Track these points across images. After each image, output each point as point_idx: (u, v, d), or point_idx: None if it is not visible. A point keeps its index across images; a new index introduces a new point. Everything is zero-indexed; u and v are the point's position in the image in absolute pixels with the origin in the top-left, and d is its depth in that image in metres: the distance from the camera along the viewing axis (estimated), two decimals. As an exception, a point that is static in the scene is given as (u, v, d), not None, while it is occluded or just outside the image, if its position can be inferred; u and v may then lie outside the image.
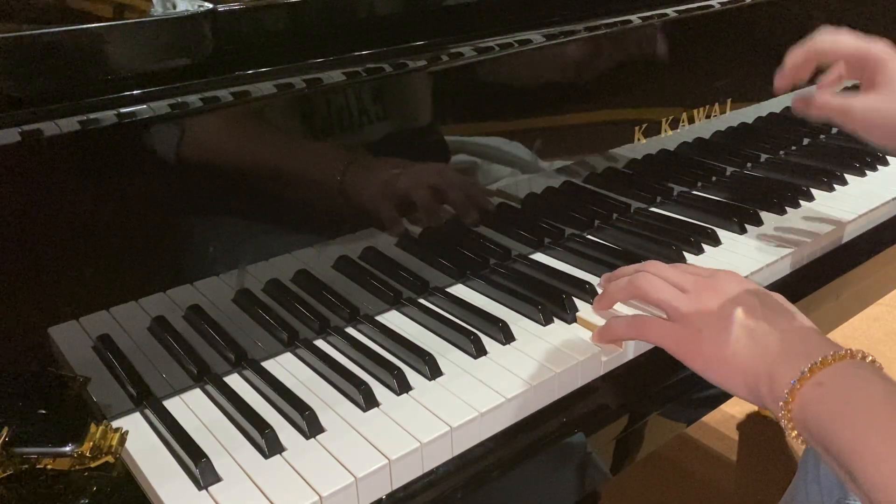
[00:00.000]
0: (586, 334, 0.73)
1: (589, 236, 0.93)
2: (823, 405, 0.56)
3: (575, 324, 0.76)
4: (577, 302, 0.78)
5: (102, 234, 0.61)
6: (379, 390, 0.66)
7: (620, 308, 0.76)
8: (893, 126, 0.77)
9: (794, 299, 0.85)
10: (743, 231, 0.94)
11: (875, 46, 0.80)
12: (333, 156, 0.72)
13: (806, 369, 0.58)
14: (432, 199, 0.80)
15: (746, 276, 0.83)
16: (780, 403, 0.58)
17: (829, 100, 0.80)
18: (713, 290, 0.68)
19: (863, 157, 1.12)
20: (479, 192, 0.84)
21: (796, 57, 0.82)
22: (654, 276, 0.71)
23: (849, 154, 1.14)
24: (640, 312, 0.74)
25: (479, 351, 0.71)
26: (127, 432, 0.59)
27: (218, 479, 0.57)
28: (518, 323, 0.75)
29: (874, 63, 0.79)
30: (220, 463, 0.58)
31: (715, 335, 0.64)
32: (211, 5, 0.62)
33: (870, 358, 0.59)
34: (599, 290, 0.79)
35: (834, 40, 0.82)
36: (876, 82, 0.79)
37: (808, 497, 0.83)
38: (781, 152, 1.17)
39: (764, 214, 0.97)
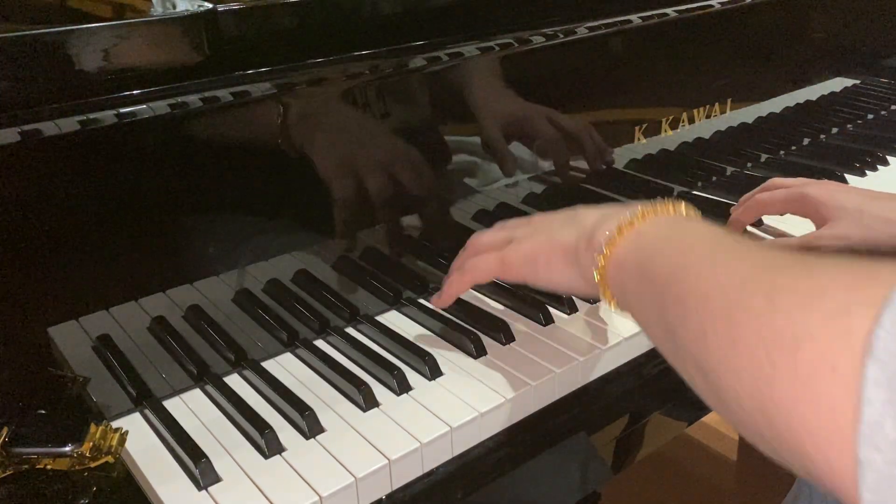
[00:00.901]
0: (587, 334, 0.73)
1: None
2: (642, 250, 0.54)
3: (575, 324, 0.75)
4: (578, 302, 0.78)
5: (102, 234, 0.61)
6: (379, 390, 0.66)
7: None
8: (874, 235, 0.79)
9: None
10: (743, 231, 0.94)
11: (808, 188, 0.84)
12: (333, 156, 0.72)
13: (625, 221, 0.56)
14: (431, 199, 0.80)
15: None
16: (595, 255, 0.57)
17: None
18: (539, 215, 0.69)
19: (863, 157, 1.12)
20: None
21: (738, 213, 0.90)
22: (480, 233, 0.71)
23: (849, 154, 1.14)
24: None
25: (480, 351, 0.71)
26: (127, 432, 0.59)
27: (218, 479, 0.57)
28: (518, 323, 0.75)
29: (814, 203, 0.82)
30: (220, 463, 0.58)
31: (539, 237, 0.65)
32: (211, 5, 0.62)
33: (687, 210, 0.58)
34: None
35: (770, 195, 0.87)
36: (826, 216, 0.82)
37: (811, 495, 0.84)
38: (781, 152, 1.17)
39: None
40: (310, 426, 0.61)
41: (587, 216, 0.62)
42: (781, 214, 0.89)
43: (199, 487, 0.57)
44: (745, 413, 0.41)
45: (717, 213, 0.96)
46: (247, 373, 0.70)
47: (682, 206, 0.57)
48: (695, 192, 1.05)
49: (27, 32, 0.55)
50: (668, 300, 0.49)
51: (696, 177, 1.06)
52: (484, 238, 0.70)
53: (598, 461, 0.73)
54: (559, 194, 0.91)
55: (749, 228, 0.93)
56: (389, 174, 0.76)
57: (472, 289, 0.82)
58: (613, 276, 0.56)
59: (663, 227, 0.55)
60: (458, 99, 0.79)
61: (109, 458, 0.56)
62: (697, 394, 0.48)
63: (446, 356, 0.71)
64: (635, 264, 0.54)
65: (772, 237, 0.93)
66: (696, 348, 0.45)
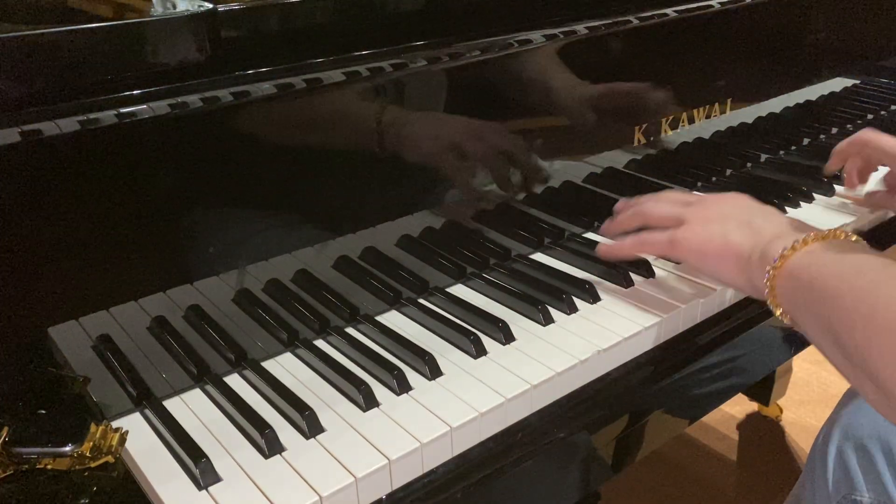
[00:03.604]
0: (587, 334, 0.73)
1: (589, 236, 0.93)
2: (814, 266, 0.61)
3: (575, 324, 0.75)
4: (577, 302, 0.78)
5: (102, 234, 0.61)
6: (379, 390, 0.66)
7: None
8: None
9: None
10: (743, 231, 0.94)
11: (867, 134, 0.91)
12: (333, 156, 0.72)
13: (799, 240, 0.63)
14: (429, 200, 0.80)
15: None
16: (768, 269, 0.63)
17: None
18: (712, 198, 0.76)
19: (863, 157, 1.12)
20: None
21: (842, 146, 0.97)
22: (657, 200, 0.78)
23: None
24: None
25: (479, 351, 0.71)
26: (127, 432, 0.59)
27: (218, 479, 0.57)
28: (518, 323, 0.75)
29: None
30: (220, 463, 0.58)
31: (713, 229, 0.70)
32: (211, 5, 0.62)
33: (855, 237, 0.64)
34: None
35: (878, 137, 0.93)
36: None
37: (815, 492, 0.84)
38: (781, 152, 1.17)
39: (764, 214, 0.97)
40: (310, 426, 0.61)
41: (763, 227, 0.69)
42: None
43: (200, 487, 0.57)
44: None
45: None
46: (247, 373, 0.70)
47: (850, 232, 0.65)
48: (695, 192, 1.05)
49: (27, 32, 0.55)
50: (836, 313, 0.56)
51: (696, 177, 1.06)
52: (657, 209, 0.77)
53: (598, 461, 0.73)
54: (560, 194, 0.91)
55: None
56: (390, 174, 0.76)
57: (472, 289, 0.83)
58: (783, 288, 0.63)
59: (833, 248, 0.62)
60: (458, 99, 0.79)
61: (109, 458, 0.56)
62: (869, 401, 0.56)
63: (446, 356, 0.71)
64: (807, 279, 0.61)
65: None
66: (864, 357, 0.53)
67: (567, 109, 0.88)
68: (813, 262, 0.62)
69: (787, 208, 0.99)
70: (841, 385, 1.82)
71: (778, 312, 0.64)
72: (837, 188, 1.06)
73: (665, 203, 0.77)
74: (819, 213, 0.99)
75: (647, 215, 0.78)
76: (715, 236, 0.70)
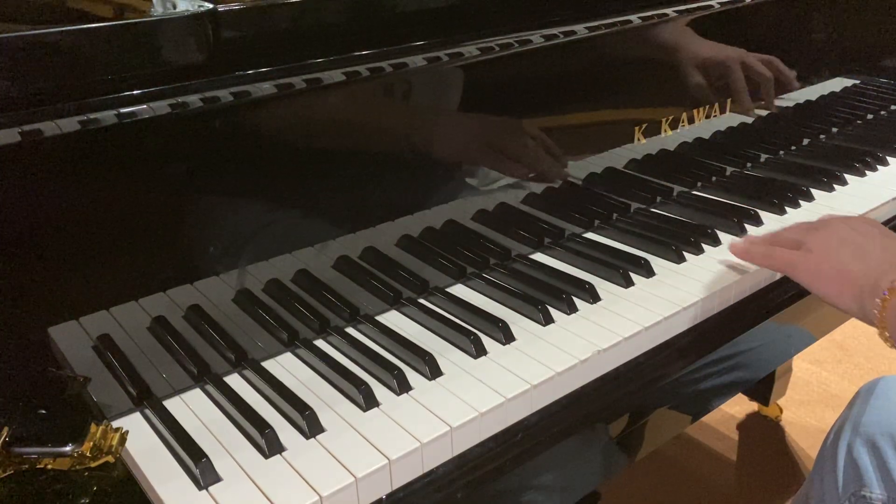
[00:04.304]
0: (587, 334, 0.73)
1: (589, 236, 0.93)
2: None
3: (575, 324, 0.75)
4: (578, 302, 0.78)
5: (102, 234, 0.61)
6: (379, 390, 0.66)
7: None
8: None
9: (794, 299, 0.86)
10: (743, 231, 0.94)
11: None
12: (333, 156, 0.72)
13: None
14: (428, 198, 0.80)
15: (746, 276, 0.83)
16: (877, 300, 0.68)
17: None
18: (835, 223, 0.80)
19: (863, 157, 1.12)
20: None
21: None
22: (777, 234, 0.83)
23: (849, 154, 1.14)
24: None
25: (479, 351, 0.71)
26: (127, 432, 0.59)
27: (218, 478, 0.57)
28: (518, 323, 0.75)
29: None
30: (220, 463, 0.58)
31: (830, 256, 0.75)
32: (211, 5, 0.61)
33: None
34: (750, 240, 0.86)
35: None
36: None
37: (823, 489, 0.84)
38: (781, 152, 1.17)
39: (764, 214, 0.97)
40: (310, 426, 0.61)
41: (873, 253, 0.74)
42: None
43: (200, 487, 0.57)
44: None
45: (716, 213, 0.96)
46: (247, 373, 0.70)
47: None
48: (695, 192, 1.05)
49: (27, 32, 0.55)
50: None
51: (696, 177, 1.06)
52: (784, 233, 0.83)
53: (598, 460, 0.73)
54: (560, 194, 0.91)
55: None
56: (391, 174, 0.76)
57: (472, 289, 0.83)
58: (892, 319, 0.67)
59: None
60: (458, 99, 0.79)
61: (110, 458, 0.56)
62: None
63: (446, 356, 0.71)
64: None
65: None
66: None
67: (567, 110, 0.88)
68: None
69: (788, 208, 0.99)
70: (841, 385, 1.82)
71: (887, 343, 0.68)
72: (837, 188, 1.06)
73: (793, 229, 0.83)
74: (820, 212, 0.99)
75: (776, 236, 0.83)
76: (830, 263, 0.75)
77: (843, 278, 0.73)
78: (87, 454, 0.55)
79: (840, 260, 0.74)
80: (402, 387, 0.66)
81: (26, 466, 0.54)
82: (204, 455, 0.58)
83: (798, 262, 0.78)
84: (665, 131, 0.98)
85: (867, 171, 1.11)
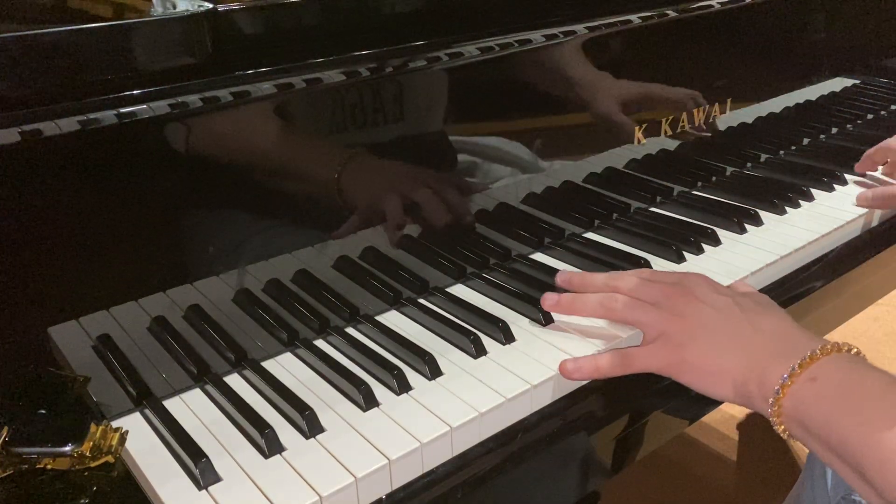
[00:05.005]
0: (587, 334, 0.73)
1: (589, 236, 0.93)
2: (821, 400, 0.57)
3: (575, 324, 0.75)
4: (577, 302, 0.78)
5: (102, 234, 0.61)
6: (379, 390, 0.66)
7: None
8: None
9: (794, 300, 0.86)
10: (743, 231, 0.94)
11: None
12: (333, 155, 0.72)
13: (796, 365, 0.59)
14: (430, 198, 0.80)
15: (746, 277, 0.83)
16: (770, 401, 0.59)
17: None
18: (684, 298, 0.67)
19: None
20: (476, 192, 0.84)
21: (872, 152, 1.05)
22: (622, 295, 0.70)
23: (849, 154, 1.14)
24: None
25: (479, 351, 0.71)
26: (127, 432, 0.59)
27: (218, 479, 0.57)
28: (518, 323, 0.75)
29: None
30: (220, 463, 0.58)
31: (699, 346, 0.64)
32: (211, 5, 0.62)
33: (854, 350, 0.61)
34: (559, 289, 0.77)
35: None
36: None
37: (814, 492, 0.84)
38: (781, 152, 1.17)
39: (764, 214, 0.97)
40: (310, 426, 0.61)
41: (754, 344, 0.63)
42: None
43: (199, 487, 0.57)
44: None
45: (716, 213, 0.96)
46: (247, 373, 0.70)
47: (846, 346, 0.61)
48: (695, 192, 1.05)
49: (27, 32, 0.55)
50: (846, 454, 0.55)
51: (696, 177, 1.06)
52: (628, 284, 0.70)
53: (598, 461, 0.73)
54: (559, 194, 0.91)
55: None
56: (391, 174, 0.76)
57: (472, 289, 0.83)
58: (788, 416, 0.59)
59: (834, 374, 0.58)
60: (458, 99, 0.79)
61: (109, 458, 0.56)
62: None
63: (446, 356, 0.71)
64: (811, 416, 0.57)
65: None
66: (877, 498, 0.53)
67: (567, 110, 0.88)
68: (816, 393, 0.57)
69: (788, 208, 0.99)
70: (841, 385, 1.80)
71: (785, 436, 0.60)
72: (837, 188, 1.06)
73: (632, 304, 0.69)
74: (820, 212, 0.99)
75: (614, 316, 0.71)
76: (702, 355, 0.64)
77: (724, 376, 0.63)
78: (87, 454, 0.55)
79: (717, 353, 0.63)
80: (402, 387, 0.66)
81: (26, 466, 0.54)
82: (204, 455, 0.58)
83: (660, 358, 0.66)
84: (665, 131, 0.98)
85: (867, 171, 1.11)
